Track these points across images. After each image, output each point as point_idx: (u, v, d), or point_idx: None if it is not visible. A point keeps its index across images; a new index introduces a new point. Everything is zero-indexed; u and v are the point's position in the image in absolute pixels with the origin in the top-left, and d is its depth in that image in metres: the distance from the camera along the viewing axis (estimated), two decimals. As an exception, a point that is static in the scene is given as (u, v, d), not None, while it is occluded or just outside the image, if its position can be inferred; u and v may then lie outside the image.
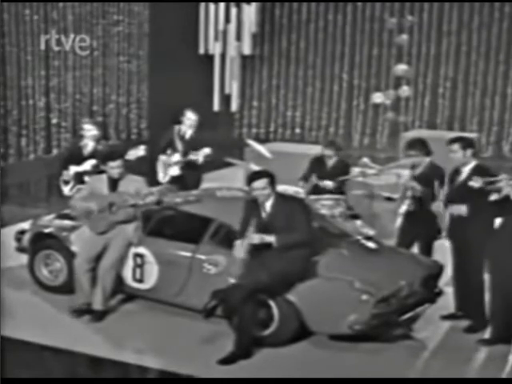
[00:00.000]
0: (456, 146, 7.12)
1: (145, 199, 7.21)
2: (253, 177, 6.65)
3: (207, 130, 9.81)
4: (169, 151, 9.58)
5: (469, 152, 7.12)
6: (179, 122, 9.70)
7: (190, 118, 9.60)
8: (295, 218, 6.53)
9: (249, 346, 6.56)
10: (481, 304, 7.15)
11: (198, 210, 7.50)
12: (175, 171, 9.51)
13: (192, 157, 9.40)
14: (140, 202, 7.20)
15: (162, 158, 9.57)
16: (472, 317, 7.24)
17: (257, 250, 6.53)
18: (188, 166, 9.51)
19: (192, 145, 9.48)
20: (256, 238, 6.48)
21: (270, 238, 6.48)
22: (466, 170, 7.10)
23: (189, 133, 9.60)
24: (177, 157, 9.50)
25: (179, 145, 9.53)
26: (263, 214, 6.63)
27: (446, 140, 7.40)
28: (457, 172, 7.19)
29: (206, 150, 9.46)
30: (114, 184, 7.42)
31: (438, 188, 7.50)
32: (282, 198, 6.70)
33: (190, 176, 9.47)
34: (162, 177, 9.53)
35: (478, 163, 7.15)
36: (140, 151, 8.14)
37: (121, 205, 7.26)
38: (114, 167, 7.35)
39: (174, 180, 9.43)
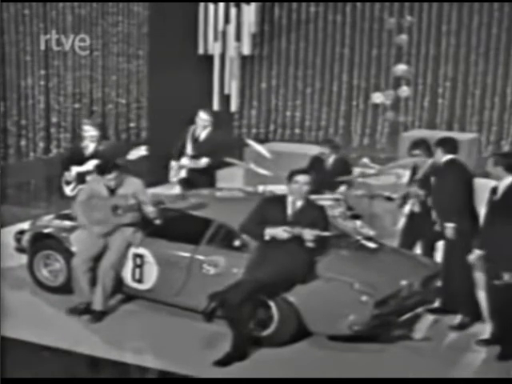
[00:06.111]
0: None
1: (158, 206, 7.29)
2: (298, 171, 6.73)
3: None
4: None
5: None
6: (194, 123, 9.37)
7: (203, 118, 9.28)
8: (319, 223, 6.55)
9: (245, 347, 6.55)
10: (471, 300, 7.21)
11: (198, 211, 7.50)
12: (182, 174, 9.27)
13: (192, 165, 9.18)
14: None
15: (173, 162, 9.33)
16: (463, 313, 7.27)
17: (270, 246, 6.55)
18: (194, 170, 9.24)
19: (205, 147, 9.19)
20: (308, 233, 6.43)
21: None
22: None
23: (203, 134, 9.29)
24: (185, 160, 9.24)
25: (189, 147, 9.25)
26: (289, 211, 6.66)
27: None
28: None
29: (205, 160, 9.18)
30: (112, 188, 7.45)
31: None
32: (309, 202, 6.79)
33: (198, 178, 9.16)
34: (173, 175, 9.30)
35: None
36: (141, 151, 8.15)
37: (127, 208, 7.25)
38: (111, 179, 7.37)
39: (184, 181, 9.22)
